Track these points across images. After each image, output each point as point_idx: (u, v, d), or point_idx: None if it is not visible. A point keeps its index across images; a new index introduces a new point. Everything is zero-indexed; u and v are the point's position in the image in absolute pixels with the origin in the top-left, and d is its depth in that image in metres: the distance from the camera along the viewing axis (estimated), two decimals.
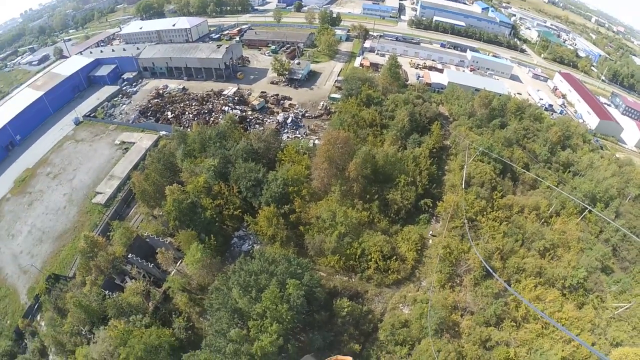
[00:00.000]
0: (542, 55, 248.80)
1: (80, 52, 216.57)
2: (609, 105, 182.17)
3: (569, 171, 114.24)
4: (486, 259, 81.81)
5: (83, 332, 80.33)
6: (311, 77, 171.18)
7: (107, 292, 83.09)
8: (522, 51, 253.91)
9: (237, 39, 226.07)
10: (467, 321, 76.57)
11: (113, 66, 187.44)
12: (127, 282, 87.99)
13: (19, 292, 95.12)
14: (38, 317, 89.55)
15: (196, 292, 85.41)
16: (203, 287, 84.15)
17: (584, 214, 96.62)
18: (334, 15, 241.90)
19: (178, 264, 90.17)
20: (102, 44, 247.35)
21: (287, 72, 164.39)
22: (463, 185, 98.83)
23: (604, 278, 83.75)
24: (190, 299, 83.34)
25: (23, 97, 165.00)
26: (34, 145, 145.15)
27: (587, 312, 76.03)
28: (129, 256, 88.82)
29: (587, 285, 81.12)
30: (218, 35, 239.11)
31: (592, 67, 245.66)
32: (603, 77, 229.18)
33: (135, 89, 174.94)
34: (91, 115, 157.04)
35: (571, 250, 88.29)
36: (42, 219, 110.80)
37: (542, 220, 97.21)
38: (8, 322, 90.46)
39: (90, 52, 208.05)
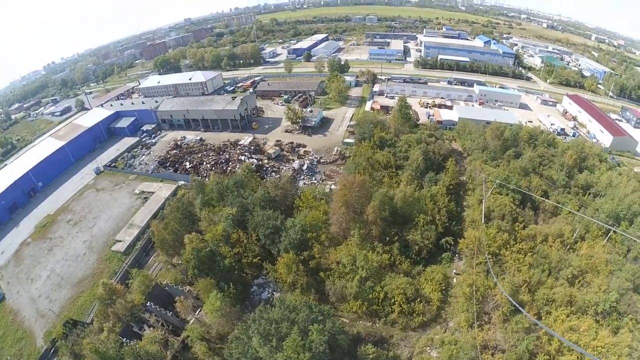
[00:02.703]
0: (548, 81, 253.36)
1: (101, 105, 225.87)
2: (620, 120, 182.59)
3: (589, 193, 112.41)
4: (513, 293, 79.49)
5: None
6: (324, 124, 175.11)
7: (124, 339, 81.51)
8: (528, 79, 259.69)
9: (251, 90, 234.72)
10: None
11: (132, 118, 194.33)
12: (145, 330, 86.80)
13: (36, 336, 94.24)
14: None
15: (215, 341, 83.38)
16: (222, 336, 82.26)
17: (609, 234, 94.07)
18: (342, 63, 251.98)
19: (197, 312, 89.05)
20: (121, 97, 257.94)
21: (300, 120, 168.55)
22: (483, 220, 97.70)
23: (637, 298, 79.54)
24: (210, 348, 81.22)
25: (45, 146, 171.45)
26: (55, 193, 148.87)
27: (623, 337, 71.82)
28: (147, 304, 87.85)
29: (620, 308, 77.29)
30: (232, 88, 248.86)
31: (599, 85, 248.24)
32: (611, 93, 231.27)
33: (154, 141, 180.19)
34: (111, 165, 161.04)
35: (600, 274, 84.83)
36: (61, 265, 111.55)
37: (568, 247, 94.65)
38: None
39: (111, 105, 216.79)
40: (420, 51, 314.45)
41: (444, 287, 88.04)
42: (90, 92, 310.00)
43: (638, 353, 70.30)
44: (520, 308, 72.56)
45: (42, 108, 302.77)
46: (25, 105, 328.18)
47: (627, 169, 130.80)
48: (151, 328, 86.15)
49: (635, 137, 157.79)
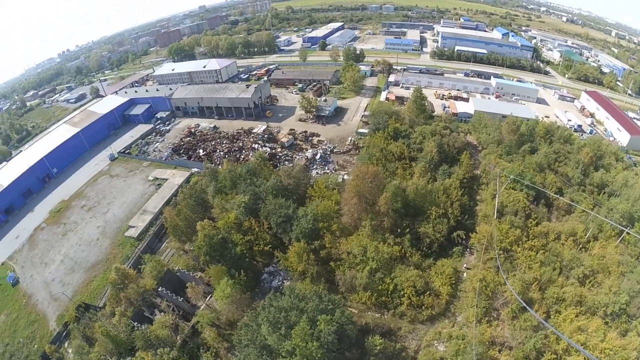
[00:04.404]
0: (567, 76, 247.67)
1: (116, 92, 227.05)
2: (638, 119, 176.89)
3: (604, 192, 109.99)
4: (524, 290, 78.69)
5: None
6: (338, 113, 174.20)
7: (135, 323, 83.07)
8: (546, 73, 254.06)
9: (265, 78, 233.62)
10: (505, 357, 72.28)
11: (147, 106, 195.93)
12: (156, 314, 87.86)
13: (49, 319, 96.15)
14: (66, 344, 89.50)
15: (225, 328, 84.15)
16: (232, 323, 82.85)
17: (623, 235, 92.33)
18: (358, 52, 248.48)
19: (207, 298, 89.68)
20: (136, 85, 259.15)
21: (314, 109, 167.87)
22: (495, 215, 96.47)
23: None
24: (219, 334, 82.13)
25: (60, 133, 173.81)
26: (69, 179, 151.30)
27: (631, 340, 70.76)
28: (159, 289, 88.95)
29: (629, 311, 75.94)
30: (247, 76, 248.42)
31: (618, 82, 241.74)
32: (629, 91, 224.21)
33: (168, 128, 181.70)
34: (126, 152, 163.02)
35: (611, 275, 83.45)
36: (75, 249, 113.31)
37: (580, 246, 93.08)
38: (35, 346, 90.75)
39: (125, 92, 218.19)
40: (437, 42, 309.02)
41: (453, 281, 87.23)
42: (105, 80, 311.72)
43: None
44: (527, 307, 71.64)
45: (57, 95, 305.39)
46: (40, 93, 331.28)
47: None
48: (162, 313, 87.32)
49: None
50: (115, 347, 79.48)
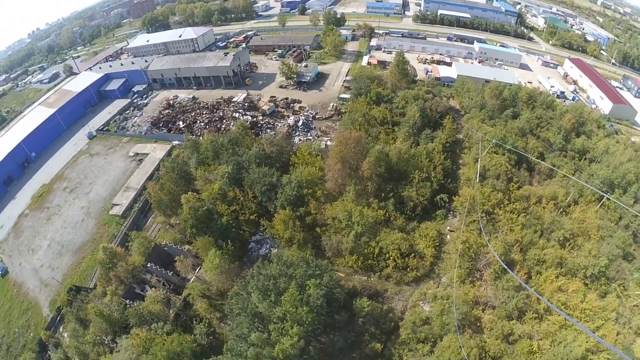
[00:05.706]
0: (550, 42, 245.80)
1: (90, 68, 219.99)
2: (621, 88, 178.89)
3: (585, 158, 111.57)
4: (506, 252, 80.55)
5: (106, 342, 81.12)
6: (319, 79, 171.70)
7: (128, 301, 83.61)
8: (530, 39, 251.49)
9: (244, 45, 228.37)
10: (488, 316, 75.16)
11: (123, 80, 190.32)
12: (147, 290, 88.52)
13: (41, 305, 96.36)
14: (61, 329, 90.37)
15: (216, 298, 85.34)
16: (223, 293, 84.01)
17: (602, 200, 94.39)
18: (339, 16, 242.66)
19: (197, 270, 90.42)
20: (110, 59, 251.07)
21: (295, 76, 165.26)
22: (477, 179, 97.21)
23: (625, 265, 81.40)
24: (211, 304, 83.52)
25: (36, 115, 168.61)
26: (49, 162, 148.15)
27: (610, 301, 74.07)
28: (148, 265, 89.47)
29: (608, 274, 79.06)
30: (224, 43, 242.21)
31: (602, 51, 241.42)
32: (613, 61, 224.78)
33: (146, 101, 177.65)
34: (104, 129, 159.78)
35: (591, 238, 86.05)
36: (61, 233, 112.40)
37: (561, 209, 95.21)
38: (31, 334, 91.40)
39: (100, 68, 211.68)
40: (420, 5, 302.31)
41: (437, 244, 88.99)
42: (78, 56, 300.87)
43: (624, 319, 72.14)
44: (508, 269, 73.20)
45: (30, 77, 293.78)
46: (12, 76, 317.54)
47: (625, 138, 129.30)
48: (153, 288, 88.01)
49: (635, 106, 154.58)
50: (109, 326, 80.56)
